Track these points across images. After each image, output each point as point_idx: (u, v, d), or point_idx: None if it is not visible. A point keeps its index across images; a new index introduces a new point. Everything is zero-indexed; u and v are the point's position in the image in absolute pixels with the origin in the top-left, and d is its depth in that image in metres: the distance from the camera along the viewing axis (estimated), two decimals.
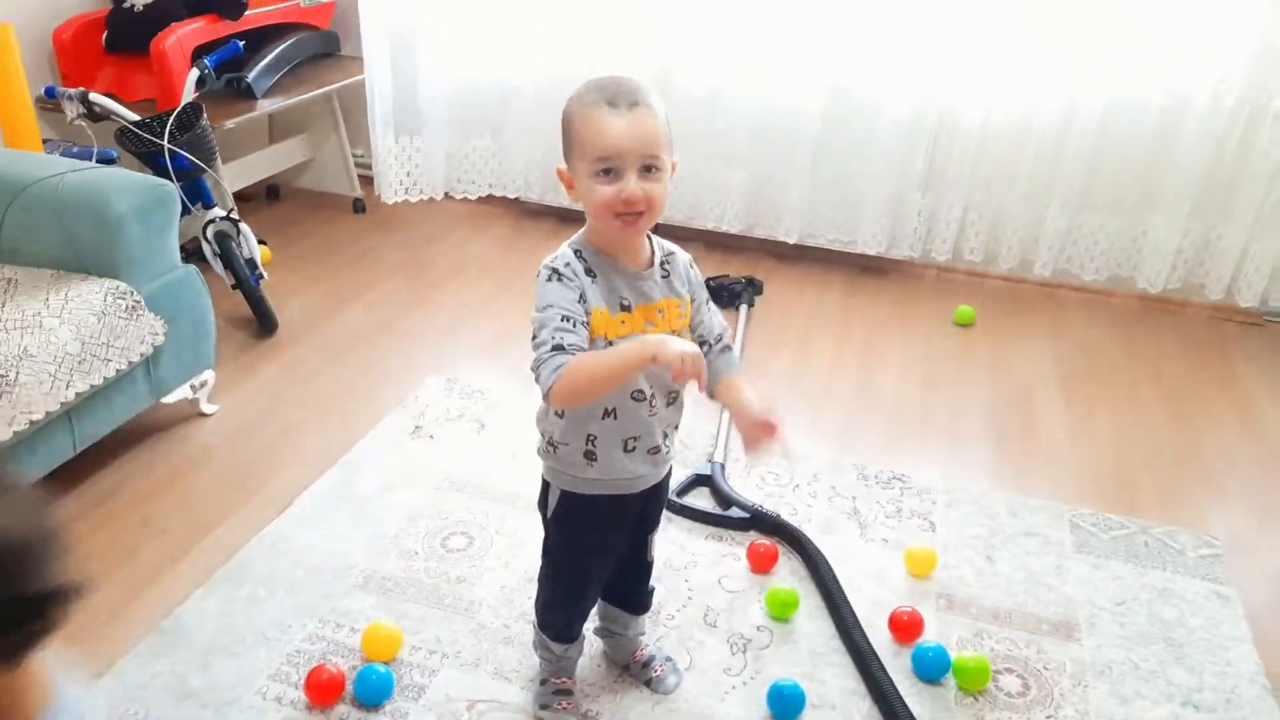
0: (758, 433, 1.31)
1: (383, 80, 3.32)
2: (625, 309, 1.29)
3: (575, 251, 1.31)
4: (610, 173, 1.23)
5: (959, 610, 1.84)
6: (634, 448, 1.36)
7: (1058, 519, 2.11)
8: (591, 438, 1.34)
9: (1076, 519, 2.11)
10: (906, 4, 2.90)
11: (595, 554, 1.48)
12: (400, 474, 2.17)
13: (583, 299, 1.27)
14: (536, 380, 1.25)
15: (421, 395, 2.47)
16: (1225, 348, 2.95)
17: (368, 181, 3.63)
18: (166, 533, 1.97)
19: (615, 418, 1.33)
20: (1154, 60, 2.82)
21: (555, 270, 1.29)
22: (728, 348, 1.42)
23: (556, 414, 1.36)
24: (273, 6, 3.06)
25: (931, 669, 1.67)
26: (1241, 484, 2.31)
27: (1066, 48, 2.86)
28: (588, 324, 1.26)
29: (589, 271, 1.29)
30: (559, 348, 1.22)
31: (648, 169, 1.23)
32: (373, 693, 1.58)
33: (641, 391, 1.33)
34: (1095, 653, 1.75)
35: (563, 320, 1.24)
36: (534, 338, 1.27)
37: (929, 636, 1.74)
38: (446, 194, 3.63)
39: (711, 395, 1.38)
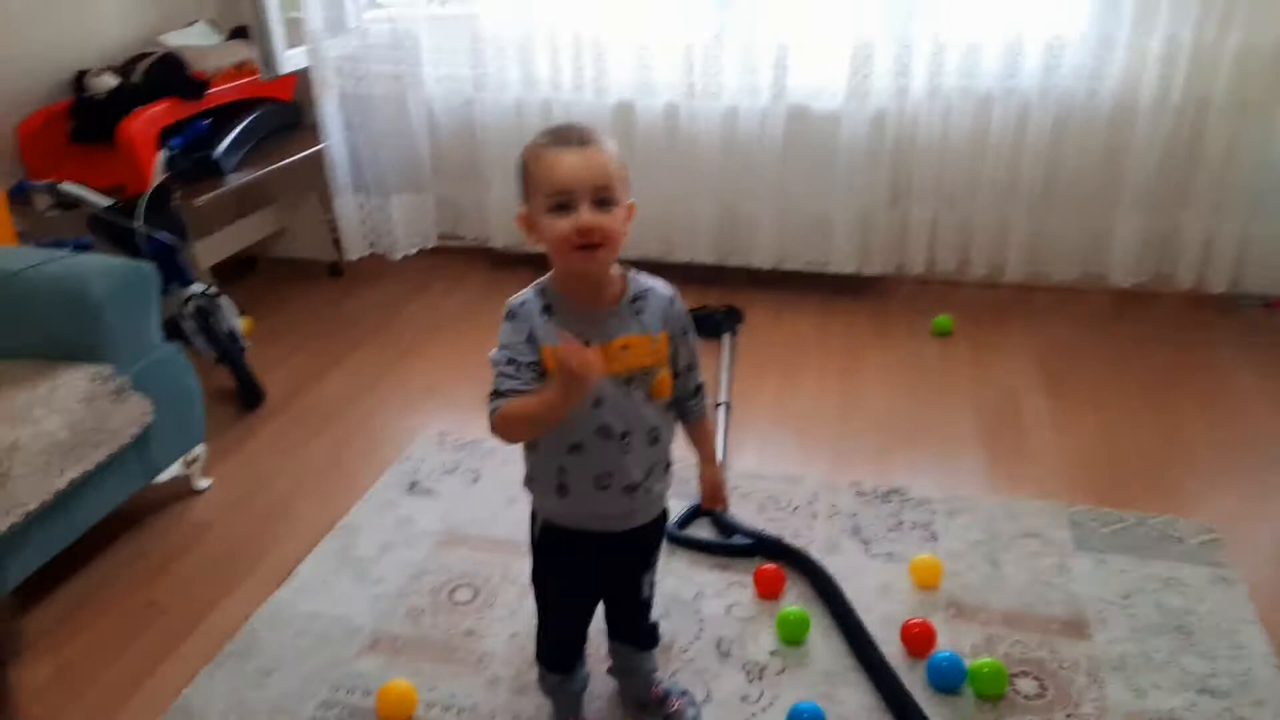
0: (709, 501, 1.56)
1: (340, 145, 3.37)
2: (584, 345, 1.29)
3: (539, 290, 1.36)
4: (564, 206, 1.26)
5: (968, 617, 1.85)
6: (608, 484, 1.37)
7: (1056, 518, 2.12)
8: (562, 470, 1.37)
9: (1075, 516, 2.13)
10: (851, 22, 2.97)
11: (575, 585, 1.51)
12: (400, 532, 2.16)
13: (531, 338, 1.31)
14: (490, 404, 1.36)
15: (415, 451, 2.47)
16: (1201, 334, 3.00)
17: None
18: (169, 613, 1.95)
19: (582, 452, 1.35)
20: (1098, 63, 2.90)
21: (510, 310, 1.36)
22: (700, 389, 1.46)
23: (528, 446, 1.41)
24: (234, 84, 3.10)
25: (947, 678, 1.67)
26: (1230, 467, 2.34)
27: (1012, 54, 2.94)
28: (536, 363, 1.30)
29: (547, 309, 1.33)
30: (498, 393, 1.32)
31: (601, 201, 1.26)
32: None
33: (607, 428, 1.33)
34: (1107, 648, 1.76)
35: (507, 364, 1.32)
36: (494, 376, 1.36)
37: (942, 646, 1.75)
38: (418, 251, 3.66)
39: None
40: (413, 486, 2.33)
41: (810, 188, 3.21)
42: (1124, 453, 2.40)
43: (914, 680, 1.68)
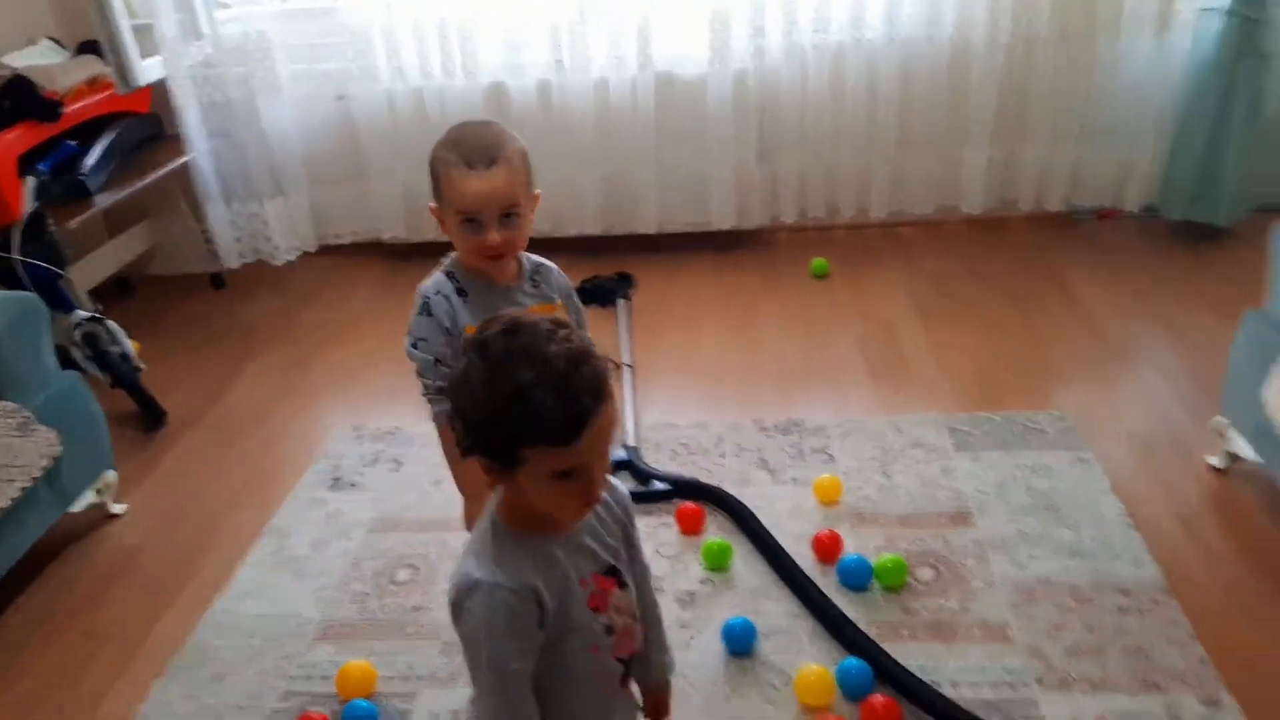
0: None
1: (206, 154, 3.32)
2: None
3: (448, 274, 1.46)
4: (473, 222, 1.37)
5: (869, 523, 2.05)
6: None
7: (937, 427, 2.36)
8: None
9: (952, 424, 2.37)
10: None
11: None
12: (331, 526, 2.21)
13: (452, 326, 1.43)
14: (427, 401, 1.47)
15: (332, 449, 2.51)
16: (1046, 250, 3.31)
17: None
18: (112, 638, 1.96)
19: None
20: (934, 9, 3.14)
21: (426, 301, 1.45)
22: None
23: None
24: (89, 100, 3.00)
25: (856, 577, 1.86)
26: (1081, 364, 2.64)
27: (858, 7, 3.14)
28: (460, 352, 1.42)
29: (460, 291, 1.44)
30: (442, 390, 1.42)
31: (507, 215, 1.37)
32: None
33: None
34: (989, 531, 2.00)
35: (436, 364, 1.44)
36: (417, 370, 1.47)
37: (848, 551, 1.94)
38: (303, 254, 3.64)
39: None
40: (336, 482, 2.38)
41: (684, 151, 3.35)
42: (990, 362, 2.66)
43: (828, 584, 1.87)
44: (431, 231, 3.49)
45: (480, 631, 0.95)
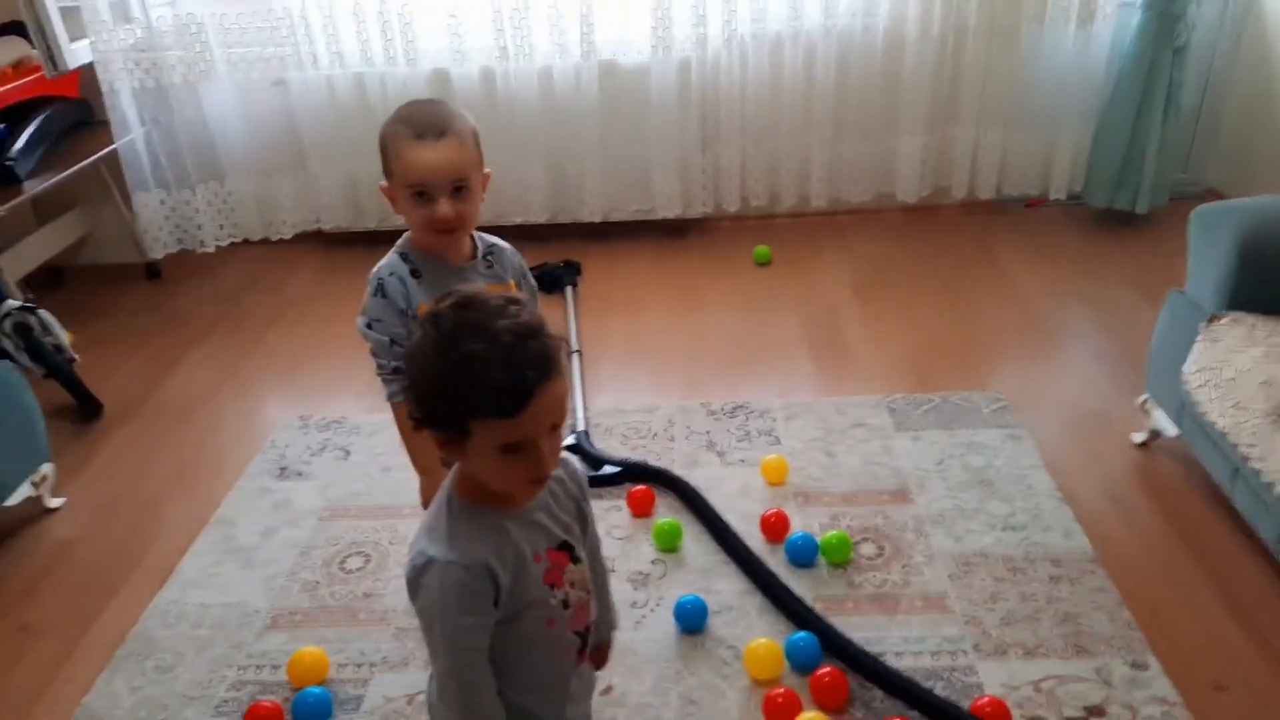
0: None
1: (139, 140, 3.24)
2: None
3: (401, 255, 1.47)
4: (424, 195, 1.37)
5: (814, 502, 2.11)
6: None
7: (877, 408, 2.43)
8: None
9: (892, 404, 2.44)
10: None
11: None
12: (278, 515, 2.19)
13: (407, 307, 1.43)
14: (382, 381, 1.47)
15: (278, 438, 2.48)
16: (979, 237, 3.42)
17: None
18: (49, 631, 1.92)
19: None
20: (868, 1, 3.21)
21: (380, 283, 1.45)
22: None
23: None
24: (15, 84, 2.90)
25: (803, 554, 1.92)
26: (1013, 345, 2.74)
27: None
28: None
29: (414, 272, 1.45)
30: (398, 370, 1.43)
31: (458, 189, 1.38)
32: (313, 713, 1.64)
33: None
34: (928, 507, 2.07)
35: (391, 345, 1.44)
36: (371, 350, 1.47)
37: (795, 529, 2.00)
38: (244, 241, 3.57)
39: None
40: (282, 471, 2.35)
41: (628, 140, 3.38)
42: (927, 344, 2.74)
43: (776, 562, 1.92)
44: (373, 220, 3.47)
45: (435, 607, 0.96)
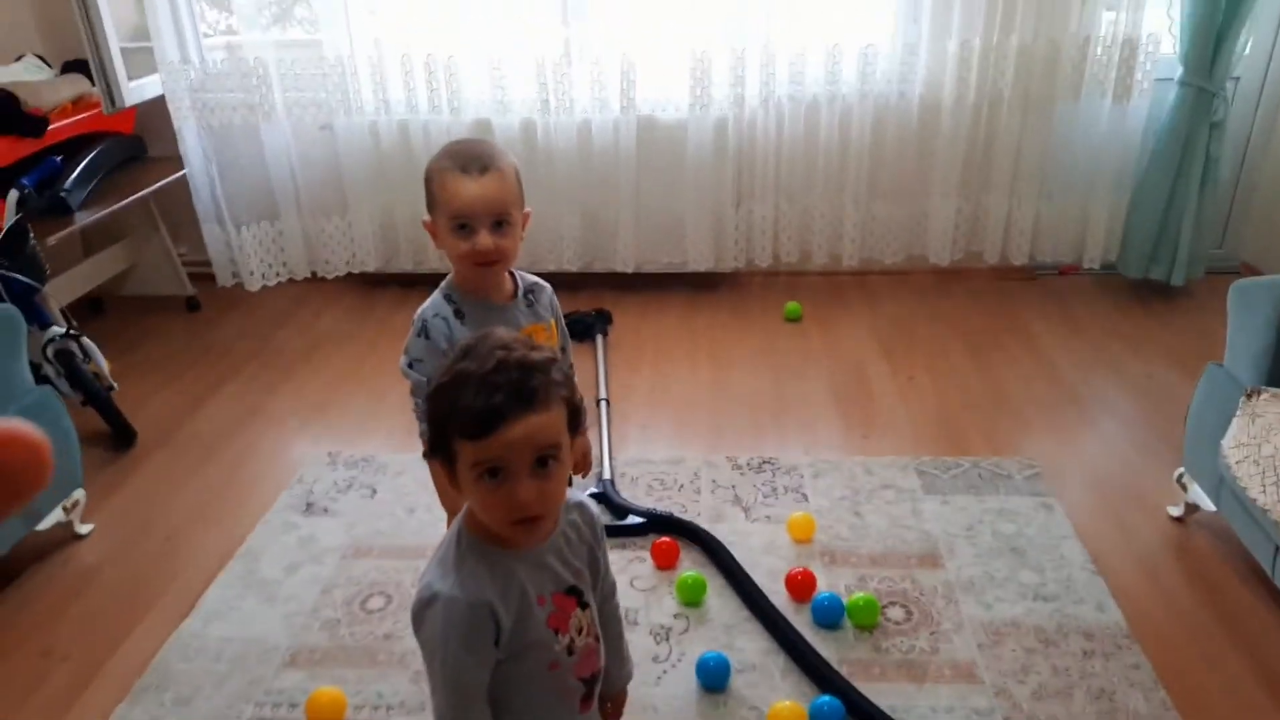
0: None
1: (201, 175, 3.33)
2: None
3: (445, 296, 1.49)
4: (465, 228, 1.40)
5: (841, 562, 2.09)
6: None
7: (905, 469, 2.41)
8: None
9: (920, 466, 2.42)
10: (689, 36, 3.20)
11: None
12: (303, 551, 2.20)
13: (449, 349, 1.43)
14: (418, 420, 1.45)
15: (306, 474, 2.50)
16: (1009, 302, 3.42)
17: (199, 279, 3.58)
18: (70, 658, 1.92)
19: None
20: (905, 68, 3.26)
21: (425, 323, 1.47)
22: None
23: None
24: (74, 118, 3.00)
25: (829, 615, 1.89)
26: (1042, 411, 2.72)
27: (832, 62, 3.25)
28: None
29: (458, 313, 1.47)
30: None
31: (499, 224, 1.41)
32: None
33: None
34: (958, 573, 2.04)
35: (429, 384, 1.44)
36: (411, 390, 1.47)
37: (821, 589, 1.97)
38: (281, 281, 3.63)
39: None
40: (309, 507, 2.36)
41: (663, 193, 3.42)
42: (956, 408, 2.73)
43: (801, 621, 1.89)
44: (408, 262, 3.53)
45: (437, 642, 0.97)
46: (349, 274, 3.63)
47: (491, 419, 0.90)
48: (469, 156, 1.40)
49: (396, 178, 3.36)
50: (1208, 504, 2.06)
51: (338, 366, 3.11)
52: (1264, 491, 1.76)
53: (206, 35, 3.35)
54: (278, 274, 3.60)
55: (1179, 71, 3.12)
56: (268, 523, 2.30)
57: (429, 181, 1.43)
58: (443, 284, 1.51)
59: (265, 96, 3.29)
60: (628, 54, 3.21)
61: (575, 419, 0.98)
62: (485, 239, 1.39)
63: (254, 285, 3.55)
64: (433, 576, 0.99)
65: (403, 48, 3.24)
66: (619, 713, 1.27)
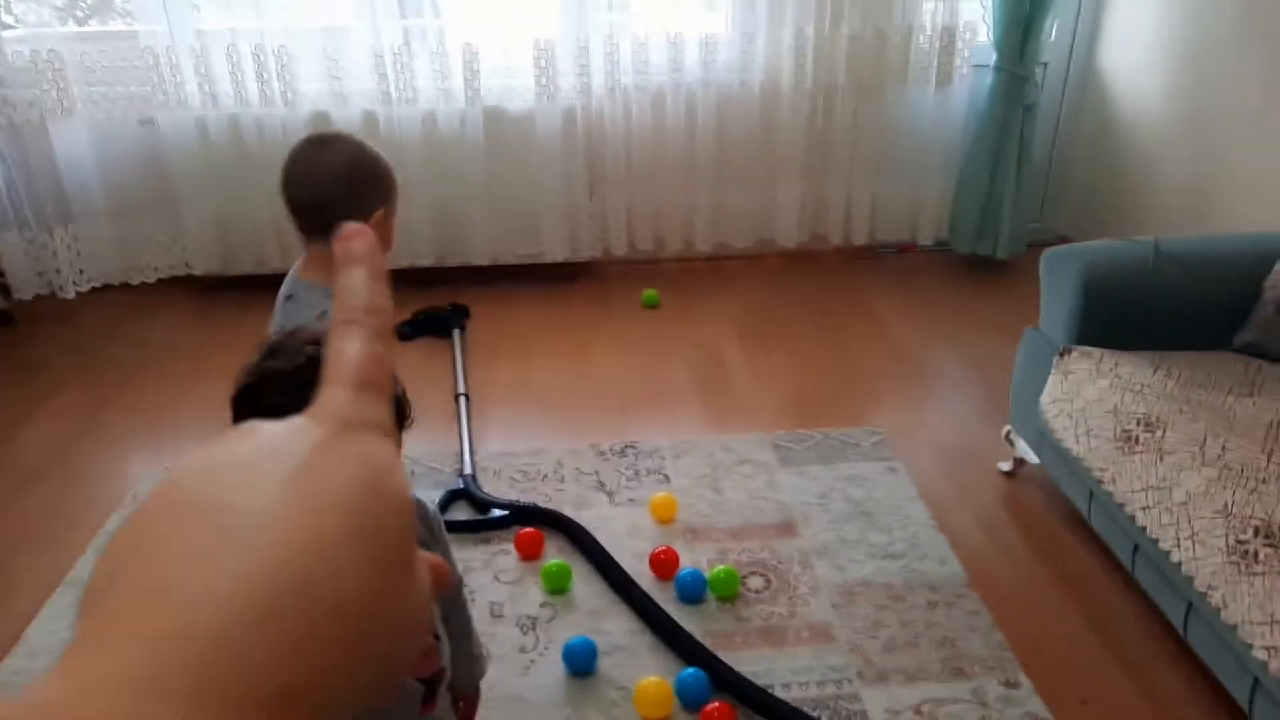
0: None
1: None
2: None
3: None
4: None
5: (703, 538, 2.13)
6: None
7: (762, 445, 2.48)
8: None
9: (776, 441, 2.50)
10: (531, 26, 3.18)
11: None
12: None
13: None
14: None
15: (142, 490, 2.34)
16: (855, 281, 3.57)
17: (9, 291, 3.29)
18: None
19: None
20: (744, 56, 3.35)
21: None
22: None
23: None
24: None
25: (692, 590, 1.93)
26: (888, 383, 2.86)
27: (675, 51, 3.30)
28: None
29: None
30: None
31: None
32: None
33: None
34: (812, 539, 2.12)
35: None
36: None
37: (684, 565, 2.01)
38: (104, 286, 3.39)
39: None
40: None
41: (515, 184, 3.39)
42: (808, 383, 2.83)
43: (666, 599, 1.92)
44: (249, 264, 3.36)
45: None
46: (186, 278, 3.42)
47: (252, 399, 0.88)
48: None
49: (231, 175, 3.19)
50: (1032, 457, 2.22)
51: (173, 376, 2.91)
52: (1077, 442, 1.91)
53: (9, 28, 3.08)
54: (90, 279, 3.35)
55: (993, 58, 3.34)
56: (97, 548, 2.15)
57: (390, 176, 1.52)
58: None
59: (63, 92, 3.05)
60: (470, 44, 3.16)
61: (400, 413, 0.96)
62: None
63: (69, 293, 3.29)
64: None
65: (228, 38, 3.07)
66: (472, 712, 1.25)
